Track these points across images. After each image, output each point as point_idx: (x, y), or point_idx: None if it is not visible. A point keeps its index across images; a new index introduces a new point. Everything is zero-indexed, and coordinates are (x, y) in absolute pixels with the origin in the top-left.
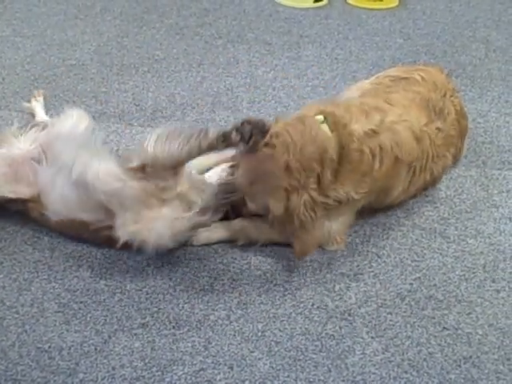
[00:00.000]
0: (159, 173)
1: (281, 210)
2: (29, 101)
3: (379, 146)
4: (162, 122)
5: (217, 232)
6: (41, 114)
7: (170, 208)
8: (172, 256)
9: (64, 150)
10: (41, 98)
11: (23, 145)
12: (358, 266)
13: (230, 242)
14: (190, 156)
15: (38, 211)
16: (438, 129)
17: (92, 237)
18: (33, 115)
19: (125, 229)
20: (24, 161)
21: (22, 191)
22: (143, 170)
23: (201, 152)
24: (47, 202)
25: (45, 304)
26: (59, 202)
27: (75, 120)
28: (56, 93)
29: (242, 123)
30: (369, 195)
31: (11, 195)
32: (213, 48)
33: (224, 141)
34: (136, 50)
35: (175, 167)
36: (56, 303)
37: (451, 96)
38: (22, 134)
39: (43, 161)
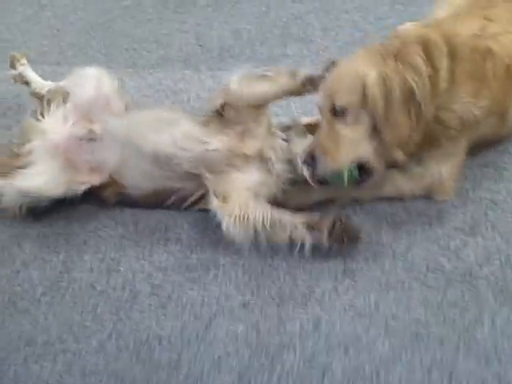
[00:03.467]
0: (240, 114)
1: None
2: (13, 67)
3: (488, 50)
4: (231, 62)
5: (313, 193)
6: (37, 80)
7: (255, 167)
8: None
9: (117, 124)
10: (25, 61)
11: (56, 126)
12: (472, 216)
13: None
14: (276, 96)
15: (116, 192)
16: None
17: (178, 204)
18: (26, 83)
19: (215, 205)
20: (71, 144)
21: (89, 178)
22: (223, 113)
23: (286, 93)
24: (125, 180)
25: (137, 286)
26: (140, 177)
27: (94, 79)
28: (114, 40)
29: (329, 65)
30: (487, 115)
31: (83, 187)
32: None
33: (311, 84)
34: None
35: (258, 107)
36: (148, 284)
37: None
38: (44, 115)
39: (95, 137)
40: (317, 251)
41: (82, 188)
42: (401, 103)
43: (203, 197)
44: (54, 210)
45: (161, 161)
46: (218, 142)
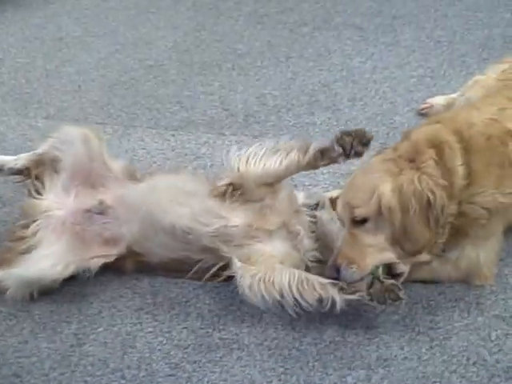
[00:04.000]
0: (252, 192)
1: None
2: None
3: (508, 132)
4: (257, 128)
5: None
6: (4, 158)
7: (279, 240)
8: None
9: (133, 193)
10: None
11: (59, 201)
12: None
13: None
14: (287, 172)
15: (134, 261)
16: None
17: (199, 275)
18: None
19: (239, 266)
20: (78, 217)
21: (104, 251)
22: (230, 192)
23: (299, 169)
24: (144, 250)
25: (153, 365)
26: (158, 248)
27: (81, 140)
28: (137, 99)
29: (341, 135)
30: None
31: (98, 262)
32: (299, 37)
33: (323, 157)
34: (215, 44)
35: (271, 184)
36: (166, 364)
37: None
38: (41, 192)
39: (106, 207)
40: (348, 333)
41: (96, 263)
42: (418, 214)
43: (225, 268)
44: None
45: (178, 234)
46: (236, 217)
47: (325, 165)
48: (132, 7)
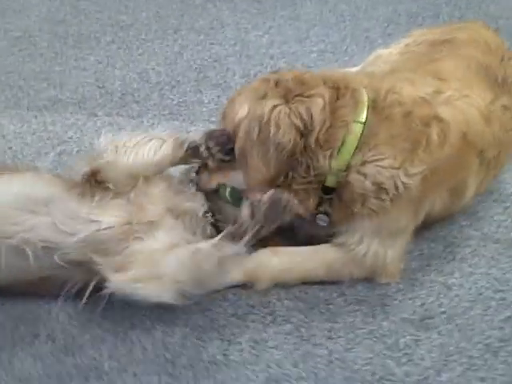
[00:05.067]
0: (120, 184)
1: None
2: None
3: (435, 116)
4: (135, 108)
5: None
6: None
7: (166, 229)
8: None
9: None
10: None
11: None
12: (424, 305)
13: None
14: (159, 167)
15: None
16: (504, 107)
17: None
18: None
19: (115, 279)
20: None
21: None
22: (95, 186)
23: (172, 164)
24: None
25: None
26: (8, 270)
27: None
28: None
29: (207, 137)
30: (435, 190)
31: None
32: (190, 9)
33: (194, 155)
34: (95, 14)
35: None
36: None
37: (510, 59)
38: None
39: None
40: None
41: None
42: (256, 144)
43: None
44: None
45: (34, 251)
46: (110, 217)
47: (198, 162)
48: None
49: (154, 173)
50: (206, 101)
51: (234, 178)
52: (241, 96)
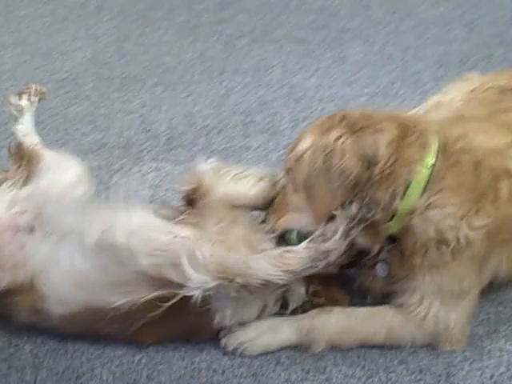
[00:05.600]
0: (212, 211)
1: None
2: (19, 94)
3: (507, 170)
4: (182, 153)
5: (280, 333)
6: (28, 126)
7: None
8: None
9: (64, 212)
10: (36, 99)
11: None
12: (493, 376)
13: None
14: (255, 200)
15: (31, 306)
16: None
17: (120, 332)
18: (15, 119)
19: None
20: (6, 233)
21: (8, 275)
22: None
23: (266, 201)
24: (47, 287)
25: None
26: (69, 282)
27: (73, 178)
28: (41, 118)
29: None
30: (501, 248)
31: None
32: (235, 50)
33: None
34: (140, 56)
35: (234, 208)
36: None
37: None
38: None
39: (35, 230)
40: None
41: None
42: (322, 172)
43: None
44: None
45: (106, 253)
46: (189, 231)
47: None
48: (48, 15)
49: (246, 206)
50: (254, 146)
51: (298, 221)
52: (306, 132)
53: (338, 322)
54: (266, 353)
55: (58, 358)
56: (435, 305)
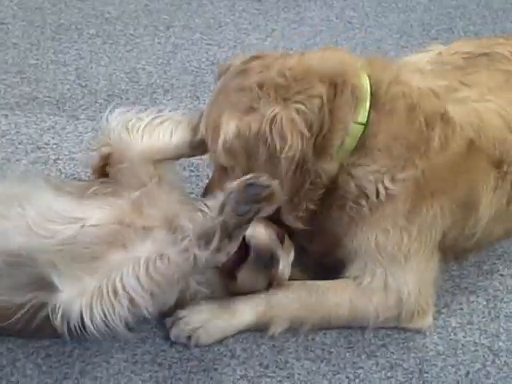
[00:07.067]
0: (134, 172)
1: None
2: None
3: (440, 115)
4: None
5: (236, 314)
6: None
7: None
8: None
9: None
10: None
11: None
12: (468, 374)
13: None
14: (177, 150)
15: None
16: None
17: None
18: None
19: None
20: None
21: None
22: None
23: (192, 149)
24: None
25: None
26: None
27: None
28: None
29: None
30: (433, 201)
31: None
32: (184, 4)
33: None
34: (77, 3)
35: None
36: None
37: None
38: None
39: None
40: None
41: None
42: (265, 163)
43: None
44: None
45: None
46: (100, 214)
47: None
48: None
49: (169, 158)
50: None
51: None
52: (223, 113)
53: (299, 296)
54: (220, 342)
55: None
56: (379, 271)
